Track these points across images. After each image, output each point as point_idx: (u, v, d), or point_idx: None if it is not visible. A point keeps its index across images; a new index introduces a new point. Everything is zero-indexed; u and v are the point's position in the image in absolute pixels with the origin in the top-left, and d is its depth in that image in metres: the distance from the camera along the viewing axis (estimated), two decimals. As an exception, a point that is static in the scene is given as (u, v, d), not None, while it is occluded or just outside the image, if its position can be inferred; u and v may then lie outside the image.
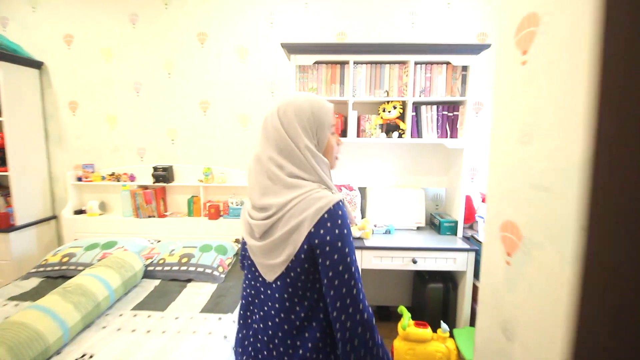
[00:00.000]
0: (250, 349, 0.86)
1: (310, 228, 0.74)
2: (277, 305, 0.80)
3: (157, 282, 2.04)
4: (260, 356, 0.83)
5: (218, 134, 2.62)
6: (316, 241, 0.74)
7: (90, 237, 2.41)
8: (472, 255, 2.01)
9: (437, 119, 2.18)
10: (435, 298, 2.15)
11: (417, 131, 2.18)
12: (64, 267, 2.09)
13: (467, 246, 2.01)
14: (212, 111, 2.60)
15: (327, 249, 0.73)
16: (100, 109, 2.62)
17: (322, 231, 0.73)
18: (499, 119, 0.84)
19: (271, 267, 0.80)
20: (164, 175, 2.51)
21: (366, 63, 2.14)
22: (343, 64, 2.16)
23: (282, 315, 0.80)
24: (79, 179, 2.61)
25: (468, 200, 2.27)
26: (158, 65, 2.56)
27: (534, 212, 0.70)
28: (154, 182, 2.53)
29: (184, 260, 2.13)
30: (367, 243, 2.05)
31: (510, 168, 0.79)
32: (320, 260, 0.74)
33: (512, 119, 0.78)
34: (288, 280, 0.78)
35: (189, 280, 2.05)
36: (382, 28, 2.44)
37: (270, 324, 0.82)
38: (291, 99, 0.83)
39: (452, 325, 2.15)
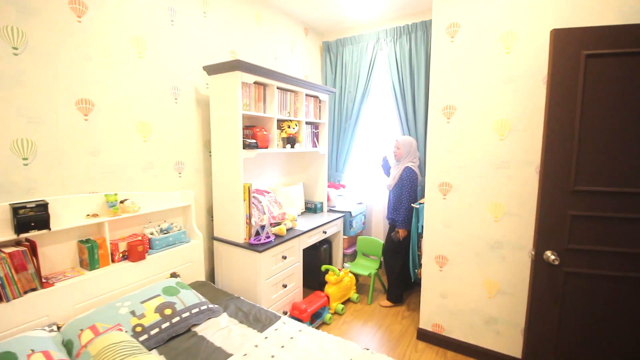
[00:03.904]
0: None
1: None
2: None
3: (154, 354, 1.49)
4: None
5: (109, 147, 1.90)
6: None
7: None
8: (341, 219, 3.26)
9: (310, 134, 3.13)
10: (325, 254, 3.18)
11: (310, 142, 3.02)
12: None
13: (341, 214, 3.22)
14: (98, 115, 1.84)
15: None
16: None
17: None
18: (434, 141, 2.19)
19: None
20: (40, 217, 1.51)
21: (279, 89, 2.65)
22: (265, 86, 2.52)
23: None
24: None
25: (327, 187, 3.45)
26: (-14, 29, 1.41)
27: (459, 176, 2.13)
28: (18, 235, 1.45)
29: (168, 311, 1.66)
30: (297, 230, 2.67)
31: (443, 159, 2.16)
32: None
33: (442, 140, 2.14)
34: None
35: (188, 331, 1.68)
36: (258, 56, 2.93)
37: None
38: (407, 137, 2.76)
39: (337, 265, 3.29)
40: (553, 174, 1.69)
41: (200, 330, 1.69)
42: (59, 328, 1.51)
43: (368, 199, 3.74)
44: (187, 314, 1.71)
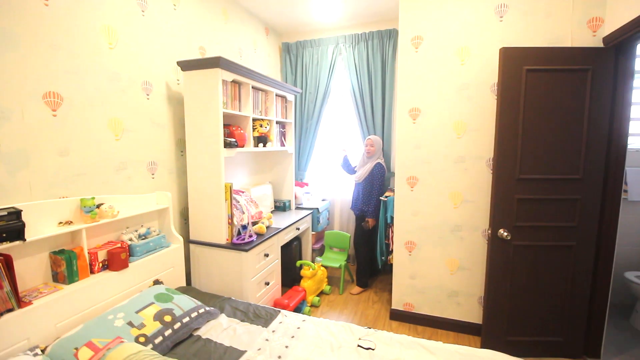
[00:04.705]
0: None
1: None
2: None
3: (162, 361, 1.42)
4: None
5: (79, 146, 1.70)
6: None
7: None
8: (310, 216, 3.37)
9: (279, 133, 3.17)
10: (296, 250, 3.26)
11: (278, 142, 3.05)
12: None
13: (309, 211, 3.33)
14: (68, 110, 1.64)
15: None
16: None
17: None
18: (401, 139, 2.47)
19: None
20: (13, 227, 1.31)
21: (253, 88, 2.64)
22: (240, 84, 2.49)
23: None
24: None
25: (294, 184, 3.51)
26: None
27: (424, 170, 2.44)
28: (-13, 248, 1.24)
29: (167, 318, 1.58)
30: (275, 227, 2.71)
31: (410, 155, 2.45)
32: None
33: (409, 139, 2.44)
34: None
35: (190, 336, 1.62)
36: (225, 54, 2.87)
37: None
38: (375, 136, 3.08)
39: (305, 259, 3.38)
40: (503, 166, 2.07)
41: (203, 333, 1.64)
42: (42, 351, 1.34)
43: (330, 195, 3.91)
44: (187, 318, 1.65)
